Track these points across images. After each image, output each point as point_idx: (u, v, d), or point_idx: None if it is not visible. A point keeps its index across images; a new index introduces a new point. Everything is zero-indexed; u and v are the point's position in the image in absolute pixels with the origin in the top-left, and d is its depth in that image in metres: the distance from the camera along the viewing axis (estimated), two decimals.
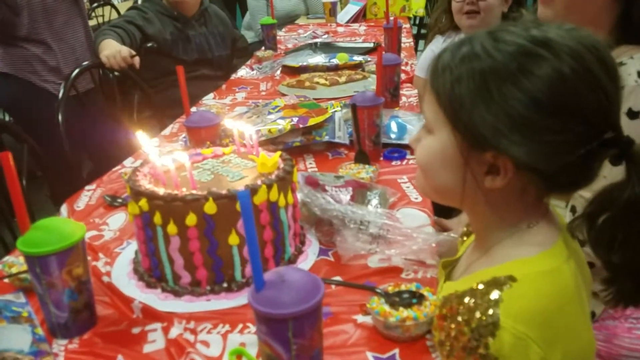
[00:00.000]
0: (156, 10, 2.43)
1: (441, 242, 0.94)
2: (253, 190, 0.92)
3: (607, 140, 0.63)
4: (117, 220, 1.24)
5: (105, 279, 1.00)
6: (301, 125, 1.46)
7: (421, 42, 3.81)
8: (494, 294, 0.65)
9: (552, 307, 0.65)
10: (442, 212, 1.22)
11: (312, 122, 1.47)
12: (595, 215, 0.68)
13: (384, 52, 1.77)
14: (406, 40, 2.82)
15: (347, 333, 0.85)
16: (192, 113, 1.36)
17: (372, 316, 0.84)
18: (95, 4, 4.25)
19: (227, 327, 0.88)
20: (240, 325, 0.88)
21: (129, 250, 1.10)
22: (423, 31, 4.30)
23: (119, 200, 1.31)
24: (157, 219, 0.91)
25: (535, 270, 0.67)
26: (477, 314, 0.65)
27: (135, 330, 0.88)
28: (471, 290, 0.68)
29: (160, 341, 0.85)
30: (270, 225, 0.96)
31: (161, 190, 0.92)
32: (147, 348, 0.84)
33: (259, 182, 0.94)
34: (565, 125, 0.62)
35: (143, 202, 0.92)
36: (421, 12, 3.82)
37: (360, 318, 0.87)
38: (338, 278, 0.97)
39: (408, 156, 1.46)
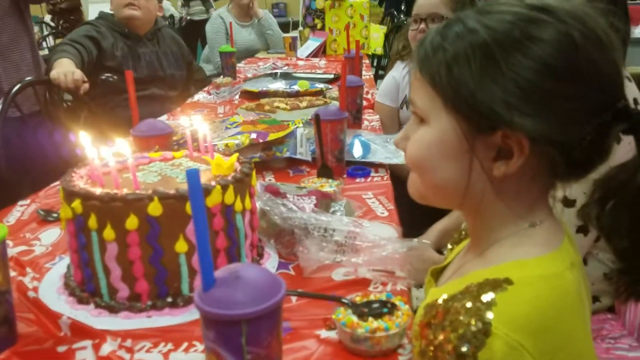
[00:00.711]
0: (108, 26, 2.36)
1: (413, 249, 0.85)
2: (205, 190, 0.82)
3: (620, 111, 0.58)
4: (50, 235, 1.11)
5: (31, 294, 0.87)
6: (261, 140, 1.37)
7: (379, 82, 3.83)
8: (487, 297, 0.57)
9: (550, 314, 0.57)
10: (411, 228, 1.14)
11: (272, 137, 1.38)
12: (604, 200, 0.61)
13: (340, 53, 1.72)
14: (366, 73, 2.81)
15: (308, 349, 0.74)
16: (140, 122, 1.26)
17: (337, 329, 0.74)
18: (47, 32, 4.13)
19: (170, 345, 0.76)
20: (186, 344, 0.76)
21: (61, 265, 0.97)
22: (381, 72, 4.34)
23: (54, 215, 1.18)
24: (92, 222, 0.80)
25: (534, 273, 0.60)
26: (466, 319, 0.56)
27: (61, 349, 0.75)
28: (461, 294, 0.60)
29: None
30: (224, 231, 0.85)
31: (98, 190, 0.80)
32: None
33: (212, 183, 0.84)
34: (580, 92, 0.57)
35: (76, 204, 0.81)
36: (379, 50, 3.85)
37: (324, 333, 0.77)
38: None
39: (372, 174, 1.39)
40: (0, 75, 2.12)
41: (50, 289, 0.90)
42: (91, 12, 5.23)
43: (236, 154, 0.93)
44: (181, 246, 0.81)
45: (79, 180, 0.87)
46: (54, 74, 1.94)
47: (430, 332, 0.59)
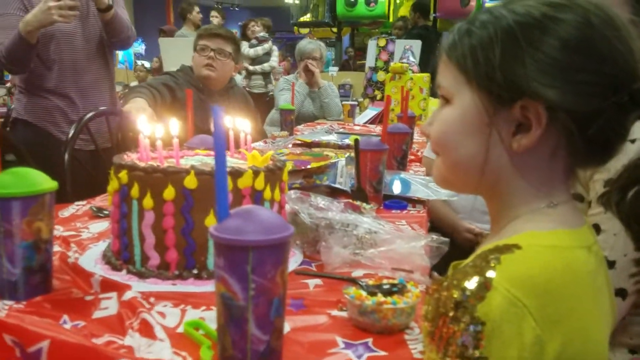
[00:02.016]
0: (185, 78, 2.55)
1: (431, 242, 0.87)
2: (237, 172, 0.88)
3: (637, 93, 0.61)
4: (99, 226, 1.19)
5: (70, 260, 0.94)
6: (302, 167, 1.44)
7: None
8: (492, 256, 0.59)
9: (557, 281, 0.58)
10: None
11: (314, 165, 1.45)
12: (626, 187, 0.63)
13: (395, 122, 1.80)
14: (419, 138, 2.87)
15: (318, 322, 0.76)
16: (193, 137, 1.36)
17: (347, 303, 0.76)
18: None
19: (189, 307, 0.80)
20: (203, 307, 0.80)
21: (103, 245, 1.04)
22: None
23: (105, 212, 1.27)
24: (135, 191, 0.87)
25: (545, 242, 0.61)
26: (469, 276, 0.58)
27: (88, 298, 0.80)
28: (469, 262, 0.61)
29: (113, 308, 0.77)
30: None
31: (142, 164, 0.89)
32: (97, 314, 0.76)
33: (245, 168, 0.90)
34: (597, 66, 0.61)
35: (123, 174, 0.89)
36: None
37: (335, 312, 0.79)
38: (317, 281, 0.90)
39: (409, 208, 1.41)
40: (79, 112, 2.26)
41: (89, 259, 0.97)
42: None
43: (271, 152, 0.99)
44: (211, 221, 0.86)
45: (130, 160, 0.96)
46: (125, 108, 2.11)
47: (436, 292, 0.61)
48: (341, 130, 3.03)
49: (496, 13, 0.66)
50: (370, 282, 0.79)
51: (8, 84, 5.59)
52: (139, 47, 13.02)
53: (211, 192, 0.85)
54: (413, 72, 3.64)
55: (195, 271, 0.87)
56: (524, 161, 0.65)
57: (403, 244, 0.87)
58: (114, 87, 2.51)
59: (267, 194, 0.92)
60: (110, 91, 2.46)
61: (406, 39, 4.49)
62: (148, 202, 0.86)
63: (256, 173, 0.90)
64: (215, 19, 6.21)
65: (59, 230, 1.14)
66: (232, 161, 1.02)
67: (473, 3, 10.60)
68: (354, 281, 0.80)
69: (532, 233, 0.63)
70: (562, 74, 0.61)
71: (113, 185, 0.92)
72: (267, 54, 5.94)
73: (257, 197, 0.91)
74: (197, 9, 5.84)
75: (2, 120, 3.77)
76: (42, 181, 0.80)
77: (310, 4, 11.88)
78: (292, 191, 1.03)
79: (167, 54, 5.09)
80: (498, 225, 0.70)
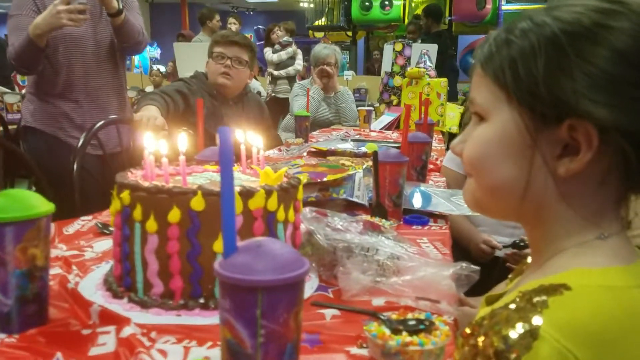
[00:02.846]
0: (199, 85, 2.49)
1: (458, 271, 0.79)
2: (249, 193, 0.81)
3: None
4: (103, 245, 1.13)
5: (70, 285, 0.87)
6: (318, 180, 1.37)
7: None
8: (538, 298, 0.51)
9: (613, 329, 0.50)
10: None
11: (330, 177, 1.38)
12: None
13: (414, 132, 1.72)
14: (438, 145, 2.80)
15: None
16: (205, 148, 1.29)
17: (368, 343, 0.68)
18: None
19: (194, 343, 0.73)
20: (210, 343, 0.73)
21: (106, 267, 0.98)
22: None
23: (110, 229, 1.20)
24: (137, 213, 0.81)
25: (597, 283, 0.53)
26: (513, 322, 0.50)
27: (85, 332, 0.73)
28: (510, 302, 0.54)
29: (111, 344, 0.70)
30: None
31: (146, 183, 0.82)
32: (94, 351, 0.70)
33: (257, 187, 0.83)
34: None
35: (125, 194, 0.82)
36: (455, 129, 3.84)
37: (355, 350, 0.71)
38: (334, 312, 0.82)
39: (431, 223, 1.34)
40: (85, 116, 2.25)
41: (90, 284, 0.90)
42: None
43: (285, 168, 0.92)
44: (219, 246, 0.80)
45: (134, 178, 0.89)
46: (137, 115, 2.05)
47: (472, 338, 0.53)
48: (357, 137, 2.96)
49: (538, 20, 0.59)
50: (394, 316, 0.72)
51: (23, 90, 5.60)
52: (154, 51, 13.07)
53: (220, 214, 0.80)
54: (430, 77, 3.56)
55: (201, 300, 0.80)
56: (571, 187, 0.58)
57: (429, 272, 0.79)
58: (123, 91, 2.46)
59: (281, 215, 0.85)
60: (118, 96, 2.41)
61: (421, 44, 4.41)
62: (151, 225, 0.80)
63: (269, 193, 0.83)
64: (234, 25, 6.17)
65: (61, 250, 1.09)
66: (243, 178, 0.96)
67: (489, 6, 10.50)
68: (375, 315, 0.72)
69: (581, 271, 0.55)
70: (616, 90, 0.54)
71: (115, 205, 0.85)
72: (292, 58, 5.89)
73: (270, 219, 0.84)
74: (217, 16, 5.79)
75: (15, 127, 3.74)
76: (38, 204, 0.74)
77: (325, 8, 11.84)
78: (307, 209, 0.96)
79: (181, 59, 5.06)
80: (540, 257, 0.62)
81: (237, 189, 0.81)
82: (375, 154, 1.22)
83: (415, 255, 0.84)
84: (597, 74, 0.54)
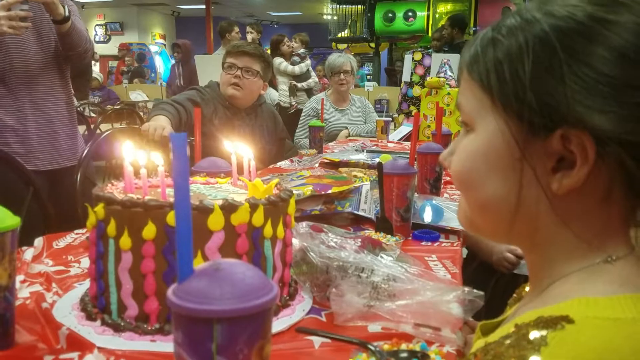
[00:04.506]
0: (212, 94, 2.45)
1: (460, 297, 0.71)
2: (231, 206, 0.74)
3: None
4: None
5: (44, 305, 0.82)
6: (322, 192, 1.30)
7: None
8: (537, 334, 0.44)
9: None
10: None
11: (335, 190, 1.31)
12: None
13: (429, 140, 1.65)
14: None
15: None
16: (202, 159, 1.24)
17: None
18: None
19: None
20: None
21: (88, 285, 0.92)
22: None
23: None
24: (111, 229, 0.75)
25: (604, 315, 0.45)
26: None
27: (48, 358, 0.67)
28: (505, 335, 0.47)
29: None
30: (248, 257, 0.76)
31: (121, 196, 0.76)
32: None
33: (242, 200, 0.76)
34: None
35: (99, 208, 0.76)
36: None
37: None
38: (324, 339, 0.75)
39: (442, 239, 1.25)
40: (31, 127, 2.10)
41: (67, 303, 0.84)
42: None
43: (276, 180, 0.85)
44: (198, 264, 0.73)
45: (113, 190, 0.83)
46: (145, 125, 2.01)
47: None
48: (373, 147, 2.88)
49: (527, 16, 0.51)
50: (386, 346, 0.64)
51: None
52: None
53: (198, 230, 0.73)
54: (450, 86, 3.47)
55: None
56: (568, 205, 0.50)
57: (428, 297, 0.71)
58: (71, 99, 2.30)
59: (268, 231, 0.78)
60: (67, 105, 2.26)
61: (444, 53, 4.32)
62: (125, 241, 0.73)
63: (254, 207, 0.76)
64: (250, 34, 6.15)
65: (46, 265, 1.03)
66: (232, 190, 0.89)
67: None
68: (364, 345, 0.64)
69: (586, 300, 0.47)
70: (615, 94, 0.46)
71: (91, 220, 0.79)
72: (309, 71, 5.87)
73: (255, 235, 0.77)
74: (236, 28, 5.78)
75: None
76: (2, 217, 0.69)
77: (348, 20, 11.82)
78: (301, 224, 0.89)
79: (202, 71, 5.06)
80: (539, 284, 0.54)
81: (219, 202, 0.74)
82: (380, 165, 1.15)
83: (415, 277, 0.76)
84: (593, 76, 0.46)
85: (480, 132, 0.54)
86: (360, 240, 0.89)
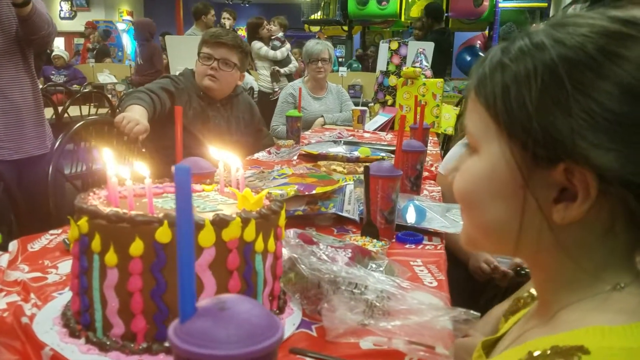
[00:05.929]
0: (187, 84, 2.38)
1: (458, 321, 0.70)
2: (222, 221, 0.72)
3: None
4: (69, 265, 1.03)
5: (24, 320, 0.78)
6: (306, 192, 1.28)
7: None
8: None
9: None
10: (464, 302, 0.99)
11: (319, 190, 1.29)
12: None
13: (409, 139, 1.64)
14: (433, 149, 2.71)
15: None
16: (183, 159, 1.20)
17: None
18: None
19: None
20: None
21: (68, 295, 0.88)
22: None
23: None
24: (96, 244, 0.71)
25: (619, 345, 0.45)
26: None
27: None
28: None
29: None
30: (239, 272, 0.74)
31: (107, 209, 0.73)
32: None
33: (233, 214, 0.74)
34: None
35: (83, 222, 0.73)
36: (450, 130, 3.75)
37: None
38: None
39: (425, 242, 1.25)
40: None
41: (47, 317, 0.81)
42: None
43: (266, 190, 0.83)
44: None
45: (96, 200, 0.80)
46: (119, 117, 1.93)
47: None
48: (350, 138, 2.87)
49: (537, 40, 0.50)
50: None
51: None
52: None
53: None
54: (426, 77, 3.47)
55: (167, 344, 0.71)
56: (570, 236, 0.50)
57: (425, 317, 0.70)
58: (36, 84, 2.23)
59: (259, 245, 0.76)
60: (33, 91, 2.20)
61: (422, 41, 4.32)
62: (111, 257, 0.70)
63: (246, 221, 0.74)
64: (227, 20, 6.01)
65: (22, 272, 0.99)
66: (220, 200, 0.86)
67: (486, 3, 10.39)
68: None
69: (600, 329, 0.47)
70: (623, 133, 0.45)
71: (73, 232, 0.76)
72: (289, 55, 5.76)
73: (246, 250, 0.75)
74: (212, 11, 5.64)
75: None
76: None
77: (322, 1, 11.70)
78: (290, 232, 0.87)
79: (173, 53, 4.93)
80: (547, 309, 0.54)
81: (209, 216, 0.72)
82: (366, 169, 1.13)
83: (408, 295, 0.75)
84: (598, 112, 0.46)
85: (485, 155, 0.53)
86: (350, 250, 0.88)
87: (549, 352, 0.46)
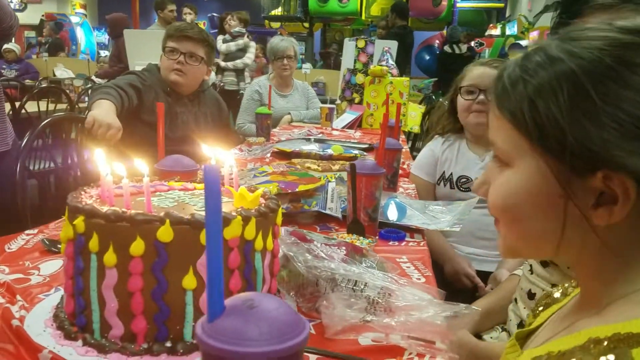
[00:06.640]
0: (153, 80, 2.33)
1: (460, 316, 0.72)
2: (225, 220, 0.71)
3: None
4: (51, 266, 1.01)
5: (15, 322, 0.76)
6: (289, 190, 1.28)
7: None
8: (614, 350, 0.46)
9: None
10: (452, 296, 1.01)
11: (302, 187, 1.29)
12: None
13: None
14: (403, 147, 2.74)
15: None
16: (166, 157, 1.18)
17: None
18: None
19: None
20: None
21: (56, 297, 0.86)
22: (415, 153, 4.28)
23: (59, 247, 1.08)
24: (94, 244, 0.70)
25: None
26: None
27: None
28: (581, 348, 0.48)
29: None
30: (240, 271, 0.74)
31: (104, 208, 0.71)
32: None
33: (233, 212, 0.74)
34: None
35: (79, 221, 0.71)
36: (416, 129, 3.81)
37: None
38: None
39: (407, 239, 1.27)
40: None
41: (38, 320, 0.78)
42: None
43: (262, 189, 0.83)
44: (189, 282, 0.70)
45: (88, 199, 0.78)
46: (89, 119, 1.82)
47: None
48: (320, 136, 2.87)
49: (553, 54, 0.53)
50: None
51: None
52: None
53: (190, 246, 0.70)
54: (392, 75, 3.51)
55: (168, 344, 0.70)
56: (614, 236, 0.52)
57: (425, 315, 0.72)
58: None
59: (259, 243, 0.76)
60: None
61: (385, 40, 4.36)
62: (110, 258, 0.69)
63: (246, 219, 0.73)
64: (189, 15, 5.91)
65: (3, 273, 0.96)
66: None
67: (445, 3, 10.58)
68: None
69: None
70: None
71: (66, 232, 0.74)
72: (242, 50, 5.66)
73: (247, 249, 0.74)
74: (170, 6, 5.53)
75: None
76: None
77: None
78: (286, 236, 0.87)
79: (132, 47, 4.80)
80: (595, 301, 0.56)
81: None
82: (353, 167, 1.14)
83: (407, 292, 0.76)
84: (627, 120, 0.48)
85: (520, 169, 0.55)
86: (344, 248, 0.89)
87: (610, 337, 0.47)
